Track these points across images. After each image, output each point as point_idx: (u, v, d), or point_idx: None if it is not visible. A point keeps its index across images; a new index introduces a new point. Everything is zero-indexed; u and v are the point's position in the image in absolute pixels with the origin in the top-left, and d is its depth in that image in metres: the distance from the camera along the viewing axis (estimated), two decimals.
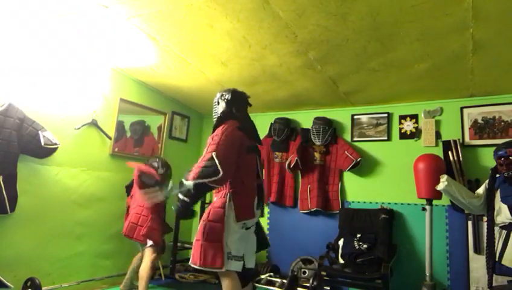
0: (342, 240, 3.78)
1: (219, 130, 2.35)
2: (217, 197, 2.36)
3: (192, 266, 2.27)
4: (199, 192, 2.21)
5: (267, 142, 4.60)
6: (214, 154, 2.20)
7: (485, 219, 2.99)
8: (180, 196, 2.20)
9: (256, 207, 2.44)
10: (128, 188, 3.70)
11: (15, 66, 3.14)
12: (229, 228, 2.26)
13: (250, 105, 2.65)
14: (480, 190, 3.00)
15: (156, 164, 3.63)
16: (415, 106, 3.98)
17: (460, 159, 3.53)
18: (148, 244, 3.32)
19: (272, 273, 4.07)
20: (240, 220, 2.29)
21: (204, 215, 2.33)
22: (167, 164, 3.75)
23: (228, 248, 2.25)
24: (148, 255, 3.27)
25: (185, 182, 2.19)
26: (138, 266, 3.38)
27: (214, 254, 2.20)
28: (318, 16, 2.61)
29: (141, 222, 3.34)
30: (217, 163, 2.16)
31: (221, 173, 2.16)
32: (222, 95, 2.55)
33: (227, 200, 2.29)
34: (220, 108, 2.54)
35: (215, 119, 2.53)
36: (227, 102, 2.51)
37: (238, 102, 2.54)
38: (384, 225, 3.68)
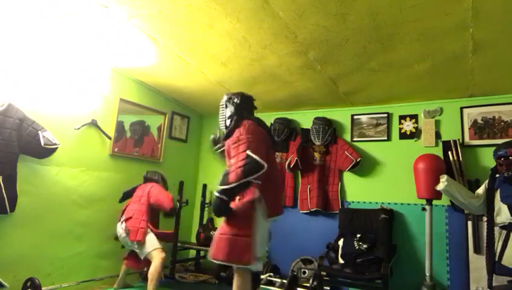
0: (341, 240, 3.78)
1: (241, 130, 2.33)
2: (241, 194, 2.27)
3: (214, 260, 2.24)
4: (240, 190, 2.21)
5: None
6: (248, 151, 2.20)
7: (485, 219, 2.99)
8: (218, 194, 2.23)
9: None
10: (125, 195, 3.79)
11: (15, 66, 3.13)
12: (257, 226, 2.26)
13: (256, 108, 2.69)
14: (480, 190, 3.00)
15: (156, 177, 3.86)
16: (415, 106, 3.99)
17: (460, 159, 3.53)
18: (155, 247, 3.36)
19: (271, 273, 4.07)
20: (271, 216, 2.30)
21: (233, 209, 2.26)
22: (164, 179, 3.96)
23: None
24: (158, 256, 3.30)
25: (223, 187, 2.22)
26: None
27: (241, 249, 2.18)
28: (318, 16, 2.61)
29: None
30: (257, 158, 2.17)
31: (265, 166, 2.17)
32: (230, 99, 2.56)
33: (257, 196, 2.24)
34: (228, 111, 2.54)
35: (222, 122, 2.55)
36: (237, 105, 2.51)
37: (247, 105, 2.56)
38: (384, 225, 3.68)
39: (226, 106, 2.57)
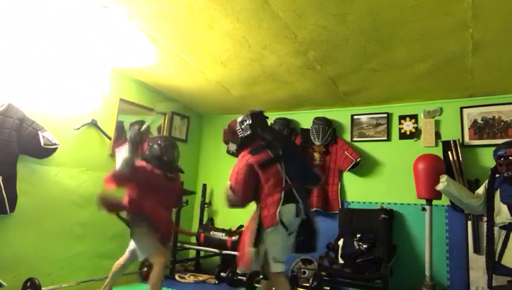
0: (341, 240, 3.78)
1: (237, 161, 2.69)
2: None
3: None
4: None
5: None
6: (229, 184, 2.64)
7: (484, 219, 2.99)
8: None
9: (296, 214, 2.57)
10: None
11: (15, 66, 3.13)
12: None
13: (267, 117, 2.89)
14: (480, 190, 3.00)
15: (156, 149, 3.08)
16: (415, 106, 3.99)
17: (460, 159, 3.53)
18: (146, 254, 2.94)
19: None
20: (263, 228, 2.55)
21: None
22: (172, 145, 3.20)
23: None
24: (158, 260, 2.88)
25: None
26: (120, 271, 3.17)
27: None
28: (318, 16, 2.61)
29: None
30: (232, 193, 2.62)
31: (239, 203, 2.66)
32: (243, 122, 2.77)
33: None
34: (245, 133, 2.77)
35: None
36: (250, 126, 2.73)
37: (258, 122, 2.76)
38: (384, 225, 3.68)
39: (242, 129, 2.78)
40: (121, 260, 3.18)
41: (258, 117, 2.78)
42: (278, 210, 2.47)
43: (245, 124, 2.74)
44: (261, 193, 2.60)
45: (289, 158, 2.66)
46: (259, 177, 2.58)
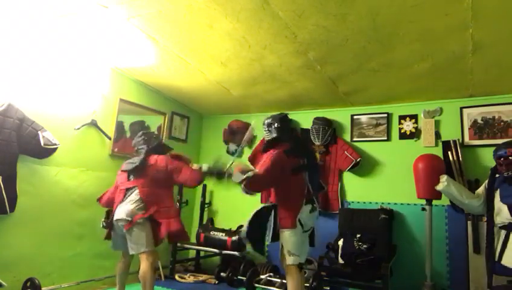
0: (341, 240, 3.78)
1: (269, 154, 2.73)
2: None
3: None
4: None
5: None
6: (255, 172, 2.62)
7: (484, 219, 2.99)
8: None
9: (310, 212, 2.72)
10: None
11: (15, 66, 3.13)
12: None
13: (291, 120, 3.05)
14: (480, 190, 3.00)
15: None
16: (415, 106, 3.99)
17: (460, 159, 3.53)
18: (142, 250, 2.88)
19: (271, 274, 4.06)
20: (281, 228, 2.65)
21: None
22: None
23: None
24: (146, 258, 2.88)
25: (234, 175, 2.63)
26: (124, 274, 3.17)
27: None
28: (318, 16, 2.62)
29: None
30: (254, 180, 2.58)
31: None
32: (270, 125, 2.85)
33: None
34: (272, 134, 2.85)
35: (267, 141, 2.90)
36: (278, 129, 2.81)
37: (286, 126, 2.87)
38: (384, 225, 3.68)
39: (270, 131, 2.86)
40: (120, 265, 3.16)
41: (285, 122, 2.89)
42: (298, 217, 2.61)
43: (273, 126, 2.83)
44: (281, 192, 2.72)
45: (312, 168, 2.82)
46: (285, 177, 2.66)
